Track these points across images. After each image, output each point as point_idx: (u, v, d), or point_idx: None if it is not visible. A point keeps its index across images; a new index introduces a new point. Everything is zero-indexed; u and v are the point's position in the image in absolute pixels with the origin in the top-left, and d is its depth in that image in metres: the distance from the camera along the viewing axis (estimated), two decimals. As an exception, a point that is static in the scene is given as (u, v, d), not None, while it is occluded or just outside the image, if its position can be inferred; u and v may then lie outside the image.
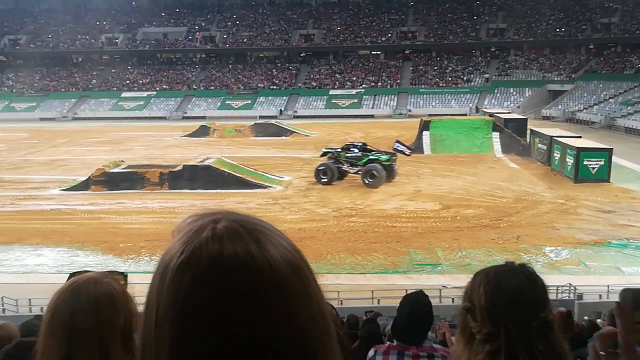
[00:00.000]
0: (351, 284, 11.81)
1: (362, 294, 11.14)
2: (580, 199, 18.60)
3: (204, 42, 61.28)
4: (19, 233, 15.77)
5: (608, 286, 10.61)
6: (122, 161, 23.41)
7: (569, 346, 1.40)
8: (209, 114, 50.86)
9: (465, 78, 53.96)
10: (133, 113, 52.94)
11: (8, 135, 39.70)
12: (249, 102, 53.78)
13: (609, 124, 39.50)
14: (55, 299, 1.31)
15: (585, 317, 7.98)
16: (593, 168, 20.95)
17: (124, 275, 1.45)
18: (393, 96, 52.83)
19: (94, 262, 13.51)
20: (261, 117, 46.85)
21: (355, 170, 21.34)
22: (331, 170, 21.32)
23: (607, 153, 21.43)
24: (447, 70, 55.35)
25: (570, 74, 51.14)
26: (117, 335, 1.29)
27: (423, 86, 53.61)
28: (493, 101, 49.80)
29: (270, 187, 21.19)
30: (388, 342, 3.06)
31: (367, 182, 20.61)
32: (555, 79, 51.40)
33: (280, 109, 52.16)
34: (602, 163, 20.99)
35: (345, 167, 21.58)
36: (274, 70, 58.58)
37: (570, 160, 21.66)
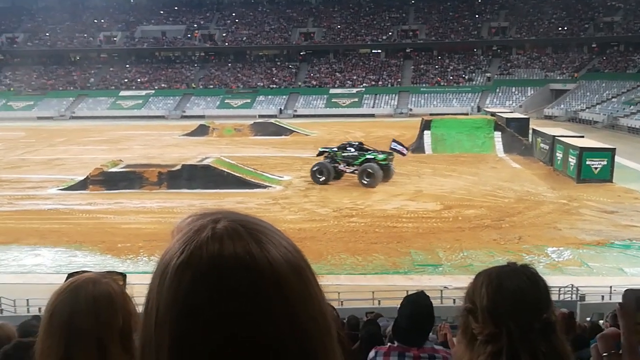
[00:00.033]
0: (352, 285, 11.81)
1: (362, 295, 11.13)
2: (582, 199, 18.58)
3: (203, 41, 61.29)
4: (16, 233, 15.76)
5: (610, 287, 10.59)
6: (121, 160, 23.40)
7: (571, 347, 1.39)
8: (208, 113, 50.86)
9: (466, 77, 53.96)
10: (131, 112, 52.96)
11: (5, 134, 39.71)
12: (249, 101, 53.80)
13: (612, 124, 39.49)
14: (54, 299, 1.30)
15: (588, 318, 7.98)
16: (596, 168, 20.94)
17: (122, 275, 1.44)
18: (394, 95, 52.83)
19: (92, 262, 13.50)
20: (261, 116, 46.85)
21: (351, 170, 21.34)
22: (327, 170, 21.33)
23: (609, 153, 21.41)
24: (449, 69, 55.36)
25: (572, 73, 51.14)
26: (115, 336, 1.29)
27: (424, 85, 53.60)
28: (495, 100, 49.79)
29: (270, 186, 21.18)
30: (389, 343, 3.06)
31: (363, 181, 20.63)
32: (558, 78, 51.40)
33: (280, 108, 52.17)
34: (605, 163, 20.98)
35: (341, 166, 21.58)
36: (273, 68, 58.60)
37: (572, 160, 21.65)
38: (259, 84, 56.13)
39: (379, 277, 12.72)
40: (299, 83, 56.14)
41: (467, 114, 42.64)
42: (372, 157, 21.18)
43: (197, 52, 62.00)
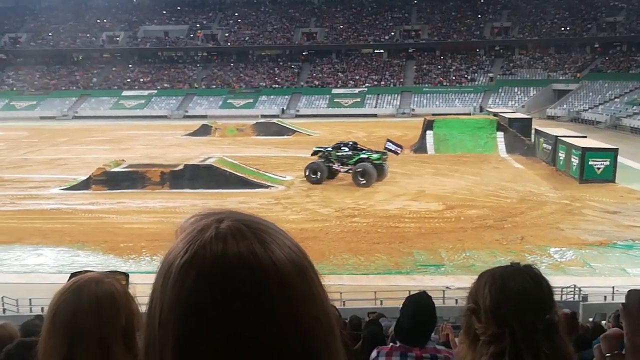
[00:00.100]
0: (354, 285, 11.79)
1: (364, 295, 11.12)
2: (585, 200, 18.54)
3: (206, 41, 61.36)
4: (19, 232, 15.77)
5: (613, 287, 10.58)
6: (123, 160, 23.42)
7: (574, 348, 1.39)
8: (211, 112, 50.91)
9: (469, 77, 53.89)
10: (134, 112, 53.04)
11: (8, 134, 39.78)
12: (251, 101, 53.83)
13: (615, 124, 39.41)
14: (57, 299, 1.31)
15: (590, 319, 7.96)
16: (598, 168, 20.89)
17: (125, 275, 1.44)
18: (396, 95, 52.81)
19: (95, 262, 13.50)
20: (263, 116, 46.84)
21: (346, 169, 21.40)
22: (320, 169, 21.36)
23: (612, 153, 21.36)
24: (451, 69, 55.30)
25: (575, 73, 51.03)
26: (118, 336, 1.29)
27: (426, 85, 53.56)
28: (497, 100, 49.73)
29: (272, 186, 21.19)
30: (391, 344, 3.05)
31: (358, 181, 20.65)
32: (560, 78, 51.31)
33: (282, 108, 52.19)
34: (608, 163, 20.92)
35: (335, 166, 21.63)
36: (276, 68, 58.62)
37: (575, 161, 21.60)
38: (261, 84, 56.16)
39: (381, 277, 12.71)
40: (302, 83, 56.14)
41: (469, 114, 42.62)
42: (366, 156, 21.24)
43: (200, 52, 62.07)
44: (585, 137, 24.60)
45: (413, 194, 19.71)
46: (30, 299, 10.78)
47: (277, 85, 56.02)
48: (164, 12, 64.93)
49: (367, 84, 54.51)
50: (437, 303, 3.70)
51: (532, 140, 28.32)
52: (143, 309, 0.77)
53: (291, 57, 60.44)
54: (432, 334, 3.12)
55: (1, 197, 20.18)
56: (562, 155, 23.27)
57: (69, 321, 1.27)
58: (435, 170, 23.95)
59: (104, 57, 61.94)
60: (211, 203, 18.10)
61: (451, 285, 11.27)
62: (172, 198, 19.49)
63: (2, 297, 11.14)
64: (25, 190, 21.38)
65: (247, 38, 60.71)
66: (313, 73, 57.43)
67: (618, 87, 45.69)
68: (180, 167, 21.59)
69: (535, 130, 28.51)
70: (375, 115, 49.92)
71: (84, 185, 21.19)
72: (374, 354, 2.77)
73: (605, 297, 10.67)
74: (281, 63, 59.64)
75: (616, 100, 43.84)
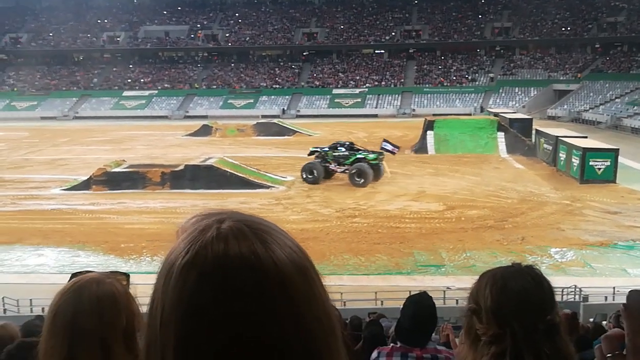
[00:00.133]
0: (354, 285, 11.79)
1: (365, 295, 11.12)
2: (586, 200, 18.53)
3: (206, 41, 61.38)
4: (19, 233, 15.78)
5: (614, 288, 10.59)
6: (124, 161, 23.43)
7: (574, 348, 1.39)
8: (211, 113, 50.93)
9: (469, 77, 53.88)
10: (134, 112, 53.05)
11: (9, 134, 39.80)
12: (252, 101, 53.84)
13: (615, 124, 39.37)
14: (58, 299, 1.31)
15: (591, 319, 7.96)
16: (599, 169, 20.88)
17: (126, 275, 1.44)
18: (397, 95, 52.80)
19: (95, 262, 13.51)
20: (264, 116, 46.87)
21: (342, 169, 21.46)
22: (317, 169, 21.40)
23: (613, 153, 21.35)
24: (452, 70, 55.29)
25: (576, 74, 51.00)
26: (119, 336, 1.29)
27: (427, 85, 53.55)
28: (498, 101, 49.72)
29: (273, 187, 21.19)
30: (391, 344, 3.05)
31: (354, 181, 20.68)
32: (561, 78, 51.29)
33: (283, 108, 52.20)
34: (608, 163, 20.91)
35: (332, 166, 21.69)
36: (276, 69, 58.63)
37: (576, 161, 21.59)
38: (262, 84, 56.17)
39: (381, 277, 12.71)
40: (302, 83, 56.15)
41: (470, 115, 42.57)
42: (363, 156, 21.31)
43: (200, 52, 62.08)
44: (586, 137, 24.57)
45: (414, 194, 19.70)
46: (30, 300, 10.77)
47: (277, 86, 56.03)
48: (165, 12, 64.97)
49: (367, 84, 54.51)
50: (438, 303, 3.70)
51: (533, 140, 28.31)
52: (144, 309, 0.77)
53: (292, 57, 60.45)
54: (433, 334, 3.12)
55: (2, 198, 20.19)
56: (562, 155, 23.26)
57: (69, 321, 1.27)
58: (435, 171, 23.95)
59: (104, 58, 61.96)
60: (212, 203, 18.10)
61: (452, 286, 11.27)
62: (173, 198, 19.50)
63: (3, 298, 11.13)
64: (26, 191, 21.39)
65: (247, 38, 60.73)
66: (314, 73, 57.43)
67: (619, 87, 45.67)
68: (181, 167, 21.59)
69: (536, 130, 28.50)
70: (375, 116, 49.91)
71: (85, 185, 21.20)
72: (374, 354, 2.77)
73: (605, 297, 10.67)
74: (282, 63, 59.65)
75: (617, 100, 43.82)
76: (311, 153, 22.55)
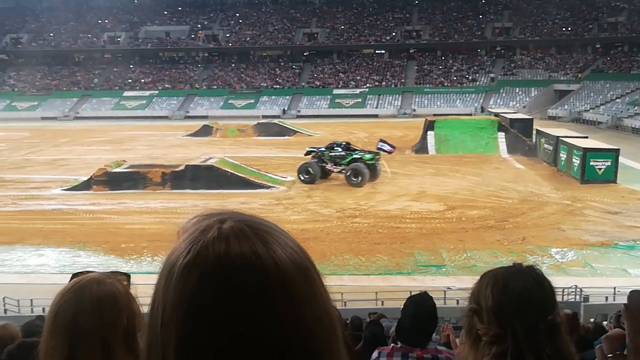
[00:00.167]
0: (355, 285, 11.79)
1: (365, 296, 11.12)
2: (586, 200, 18.52)
3: (207, 41, 61.40)
4: (20, 233, 15.78)
5: (614, 288, 10.58)
6: (124, 161, 23.43)
7: (575, 348, 1.39)
8: (212, 113, 50.94)
9: (470, 77, 53.87)
10: (135, 112, 53.05)
11: (9, 134, 39.82)
12: (252, 101, 53.85)
13: (616, 124, 39.36)
14: (58, 300, 1.31)
15: (591, 319, 7.96)
16: (600, 169, 20.87)
17: (126, 275, 1.44)
18: (397, 96, 52.80)
19: (96, 262, 13.51)
20: (264, 116, 46.88)
21: (339, 170, 21.51)
22: (313, 169, 21.43)
23: (614, 154, 21.34)
24: (452, 70, 55.28)
25: (576, 74, 50.99)
26: (120, 336, 1.29)
27: (428, 86, 53.55)
28: (498, 101, 49.71)
29: (273, 187, 21.20)
30: (392, 344, 3.05)
31: (351, 181, 20.71)
32: (562, 78, 51.27)
33: (284, 109, 52.21)
34: (609, 164, 20.90)
35: (329, 166, 21.73)
36: (277, 69, 58.64)
37: (576, 161, 21.59)
38: (262, 84, 56.18)
39: (382, 277, 12.70)
40: (303, 83, 56.15)
41: (470, 115, 42.57)
42: (359, 156, 21.37)
43: (201, 53, 62.08)
44: (587, 137, 24.57)
45: (414, 194, 19.70)
46: (31, 300, 10.77)
47: (278, 86, 56.04)
48: (165, 12, 64.99)
49: (368, 85, 54.51)
50: (438, 304, 3.69)
51: (534, 140, 28.30)
52: (144, 309, 0.77)
53: (292, 57, 60.46)
54: (434, 334, 3.12)
55: (3, 198, 20.20)
56: (563, 155, 23.25)
57: (70, 322, 1.27)
58: (436, 171, 23.94)
59: (105, 58, 61.98)
60: (212, 203, 18.10)
61: (452, 286, 11.27)
62: (173, 198, 19.51)
63: (4, 298, 11.13)
64: (26, 191, 21.40)
65: (248, 38, 60.74)
66: (314, 73, 57.43)
67: (619, 87, 45.64)
68: (182, 167, 21.60)
69: (537, 130, 28.49)
70: (376, 116, 49.91)
71: (85, 185, 21.21)
72: (375, 354, 2.77)
73: (606, 297, 10.66)
74: (282, 63, 59.67)
75: (617, 100, 43.79)
76: (308, 153, 22.60)
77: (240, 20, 63.19)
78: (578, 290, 11.00)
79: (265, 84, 56.09)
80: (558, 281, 10.68)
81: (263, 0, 65.66)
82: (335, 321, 0.68)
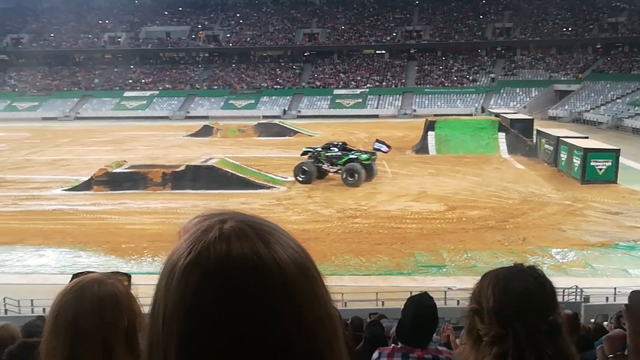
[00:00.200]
0: (355, 286, 11.79)
1: (366, 296, 11.12)
2: (587, 200, 18.51)
3: (207, 41, 61.42)
4: (21, 233, 15.79)
5: (615, 288, 10.57)
6: (125, 161, 23.44)
7: (576, 349, 1.39)
8: (212, 113, 50.96)
9: (470, 78, 53.86)
10: (136, 113, 53.08)
11: (10, 134, 39.84)
12: (253, 101, 53.86)
13: (616, 125, 39.34)
14: (59, 300, 1.31)
15: (592, 320, 7.95)
16: (600, 169, 20.86)
17: (127, 276, 1.44)
18: (398, 96, 52.80)
19: (97, 262, 13.51)
20: (264, 117, 46.87)
21: (335, 170, 21.58)
22: (310, 169, 21.45)
23: (614, 154, 21.34)
24: (453, 70, 55.28)
25: (577, 74, 50.98)
26: (120, 336, 1.29)
27: (428, 86, 53.54)
28: (499, 101, 49.70)
29: (274, 187, 21.21)
30: (392, 344, 3.05)
31: (347, 181, 20.77)
32: (562, 79, 51.26)
33: (284, 109, 52.22)
34: (610, 164, 20.90)
35: (325, 166, 21.80)
36: (277, 69, 58.65)
37: (577, 161, 21.58)
38: (263, 84, 56.20)
39: (382, 278, 12.71)
40: (303, 84, 56.16)
41: (471, 115, 42.57)
42: (356, 156, 21.45)
43: (201, 53, 62.10)
44: (587, 137, 24.57)
45: (414, 194, 19.70)
46: (32, 300, 10.78)
47: (278, 86, 56.05)
48: (166, 13, 65.02)
49: (368, 85, 54.51)
50: (439, 304, 3.69)
51: (534, 141, 28.29)
52: (145, 309, 0.77)
53: (293, 57, 60.47)
54: (434, 335, 3.12)
55: (3, 198, 20.21)
56: (563, 156, 23.25)
57: (71, 322, 1.27)
58: (436, 171, 23.94)
59: (105, 58, 62.02)
60: (213, 204, 18.09)
61: (453, 286, 11.26)
62: (174, 199, 19.51)
63: (4, 298, 11.13)
64: (27, 191, 21.41)
65: (248, 39, 60.75)
66: (314, 74, 57.44)
67: (620, 87, 45.63)
68: (182, 167, 21.61)
69: (537, 130, 28.48)
70: (376, 116, 49.90)
71: (86, 186, 21.22)
72: (375, 354, 2.77)
73: (607, 298, 10.66)
74: (283, 64, 59.68)
75: (618, 101, 43.78)
76: (304, 153, 22.67)
77: (241, 21, 63.21)
78: (579, 290, 10.99)
79: (266, 84, 56.11)
80: (559, 281, 10.64)
81: (264, 0, 65.68)
82: (336, 321, 0.68)
